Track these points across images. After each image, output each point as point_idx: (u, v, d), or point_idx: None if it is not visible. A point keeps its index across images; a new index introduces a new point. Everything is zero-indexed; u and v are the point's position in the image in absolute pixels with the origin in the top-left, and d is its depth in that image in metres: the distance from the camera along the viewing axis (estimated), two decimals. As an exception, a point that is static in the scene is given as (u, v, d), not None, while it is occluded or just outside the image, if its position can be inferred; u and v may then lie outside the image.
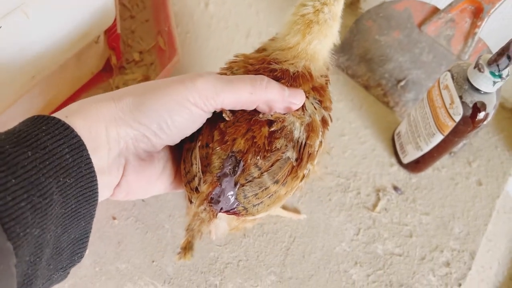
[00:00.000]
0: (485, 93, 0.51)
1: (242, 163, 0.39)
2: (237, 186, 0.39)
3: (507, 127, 0.72)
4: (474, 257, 0.60)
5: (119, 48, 0.60)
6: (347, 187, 0.62)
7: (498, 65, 0.48)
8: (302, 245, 0.57)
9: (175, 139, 0.40)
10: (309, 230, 0.58)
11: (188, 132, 0.41)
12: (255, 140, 0.40)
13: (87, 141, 0.35)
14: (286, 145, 0.40)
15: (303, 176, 0.43)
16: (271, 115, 0.41)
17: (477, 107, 0.51)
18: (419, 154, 0.61)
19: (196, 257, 0.54)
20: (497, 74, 0.49)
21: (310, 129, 0.42)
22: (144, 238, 0.54)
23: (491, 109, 0.52)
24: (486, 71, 0.49)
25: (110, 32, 0.58)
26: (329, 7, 0.41)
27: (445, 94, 0.54)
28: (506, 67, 0.48)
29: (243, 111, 0.41)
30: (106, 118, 0.36)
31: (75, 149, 0.34)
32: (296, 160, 0.41)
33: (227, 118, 0.41)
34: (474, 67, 0.50)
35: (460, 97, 0.52)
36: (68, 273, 0.38)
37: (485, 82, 0.50)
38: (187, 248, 0.38)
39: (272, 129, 0.40)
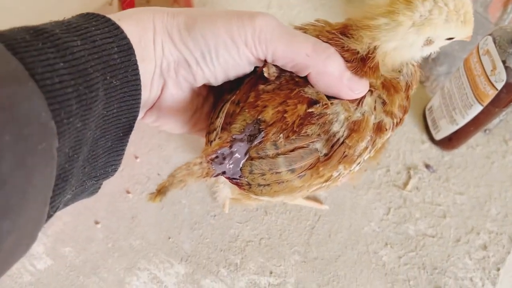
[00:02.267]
0: (532, 56, 0.46)
1: (262, 135, 0.35)
2: (246, 157, 0.36)
3: (545, 104, 0.67)
4: (513, 240, 0.56)
5: (133, 15, 0.57)
6: (375, 164, 0.58)
7: (548, 23, 0.43)
8: (328, 224, 0.53)
9: (217, 78, 0.37)
10: (335, 208, 0.54)
11: (231, 75, 0.37)
12: (285, 115, 0.35)
13: (136, 49, 0.33)
14: (318, 135, 0.36)
15: (330, 177, 0.38)
16: (317, 93, 0.36)
17: (523, 72, 0.47)
18: (454, 128, 0.56)
19: (215, 233, 0.51)
20: (547, 33, 0.44)
21: (354, 128, 0.36)
22: (159, 213, 0.51)
23: (538, 74, 0.47)
24: (535, 31, 0.44)
25: (124, -3, 0.55)
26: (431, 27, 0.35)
27: (485, 60, 0.50)
28: (558, 25, 0.43)
29: (290, 79, 0.37)
30: (156, 30, 0.34)
31: (123, 51, 0.32)
32: (325, 155, 0.36)
33: (266, 75, 0.36)
34: (521, 28, 0.46)
35: (503, 62, 0.47)
36: (99, 186, 0.37)
37: (532, 44, 0.45)
38: (160, 191, 0.34)
39: (311, 110, 0.35)
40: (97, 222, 0.50)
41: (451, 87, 0.56)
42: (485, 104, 0.51)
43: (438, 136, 0.59)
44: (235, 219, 0.52)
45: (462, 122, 0.55)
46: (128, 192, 0.52)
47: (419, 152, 0.60)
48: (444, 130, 0.58)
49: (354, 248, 0.52)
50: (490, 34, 0.50)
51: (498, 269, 0.54)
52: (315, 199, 0.55)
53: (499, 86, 0.48)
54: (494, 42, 0.49)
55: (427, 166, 0.59)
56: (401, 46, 0.36)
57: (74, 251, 0.48)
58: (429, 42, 0.37)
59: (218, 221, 0.52)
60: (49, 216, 0.30)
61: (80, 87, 0.28)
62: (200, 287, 0.48)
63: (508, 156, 0.62)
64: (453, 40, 0.38)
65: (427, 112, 0.62)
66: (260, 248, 0.51)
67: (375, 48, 0.36)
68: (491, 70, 0.49)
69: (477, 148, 0.62)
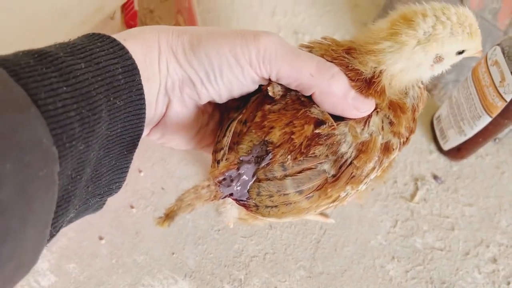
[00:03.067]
0: (542, 68, 0.45)
1: (269, 156, 0.35)
2: (254, 179, 0.35)
3: (557, 111, 0.66)
4: (524, 253, 0.55)
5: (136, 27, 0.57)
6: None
7: (559, 35, 0.42)
8: (334, 237, 0.53)
9: (221, 96, 0.37)
10: (341, 222, 0.54)
11: (235, 93, 0.37)
12: (292, 137, 0.35)
13: (141, 68, 0.33)
14: (326, 156, 0.35)
15: (337, 198, 0.37)
16: (322, 113, 0.35)
17: (533, 84, 0.46)
18: (462, 139, 0.55)
19: (220, 248, 0.50)
20: (557, 45, 0.43)
21: (362, 149, 0.36)
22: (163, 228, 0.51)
23: (548, 86, 0.46)
24: (544, 43, 0.43)
25: (127, 9, 0.55)
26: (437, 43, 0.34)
27: (494, 71, 0.49)
28: None
29: (296, 98, 0.36)
30: (162, 49, 0.34)
31: (128, 72, 0.32)
32: (333, 176, 0.36)
33: (270, 94, 0.36)
34: (530, 39, 0.44)
35: (513, 73, 0.46)
36: (104, 203, 0.37)
37: (542, 55, 0.44)
38: (169, 216, 0.34)
39: (318, 131, 0.35)
40: (101, 238, 0.49)
41: (459, 96, 0.55)
42: (494, 115, 0.50)
43: (447, 147, 0.58)
44: (240, 234, 0.51)
45: (470, 133, 0.54)
46: (132, 207, 0.51)
47: (427, 163, 0.59)
48: (452, 140, 0.57)
49: (360, 262, 0.52)
50: (498, 44, 0.49)
51: (509, 283, 0.53)
52: (321, 213, 0.54)
53: (508, 98, 0.47)
54: (503, 53, 0.48)
55: (435, 177, 0.58)
56: (409, 67, 0.35)
57: (78, 268, 0.48)
58: (439, 59, 0.36)
59: (222, 236, 0.51)
60: (52, 236, 0.30)
61: (83, 110, 0.29)
62: (205, 304, 0.48)
63: (519, 166, 0.60)
64: (464, 56, 0.37)
65: (435, 122, 0.61)
66: (264, 263, 0.50)
67: (380, 72, 0.35)
68: (500, 82, 0.48)
69: (487, 158, 0.60)
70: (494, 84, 0.49)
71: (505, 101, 0.48)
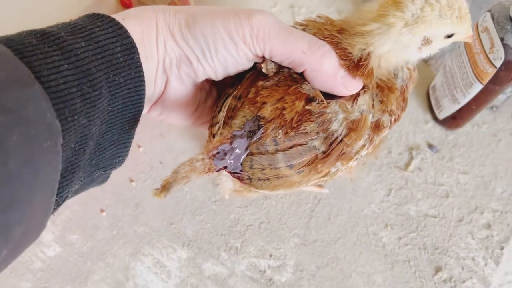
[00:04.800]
0: (531, 32, 0.45)
1: (261, 131, 0.36)
2: (247, 152, 0.37)
3: (558, 78, 0.65)
4: (519, 219, 0.55)
5: (131, 7, 0.58)
6: (376, 146, 0.58)
7: (545, -2, 0.42)
8: (328, 206, 0.54)
9: (217, 73, 0.39)
10: (336, 192, 0.55)
11: (231, 71, 0.39)
12: (284, 112, 0.36)
13: (139, 47, 0.34)
14: (317, 133, 0.36)
15: (328, 173, 0.39)
16: (313, 90, 0.37)
17: (521, 49, 0.46)
18: (456, 107, 0.55)
19: (216, 219, 0.52)
20: (544, 9, 0.43)
21: (353, 127, 0.37)
22: (162, 200, 0.53)
23: (537, 51, 0.46)
24: (532, 7, 0.43)
25: (122, -11, 0.56)
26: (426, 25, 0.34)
27: (484, 38, 0.49)
28: (555, -1, 0.42)
29: (288, 75, 0.38)
30: (159, 28, 0.36)
31: (127, 50, 0.34)
32: (323, 153, 0.37)
33: (264, 71, 0.37)
34: (518, 3, 0.44)
35: (502, 39, 0.46)
36: (108, 176, 0.39)
37: (530, 20, 0.44)
38: (165, 187, 0.35)
39: (308, 107, 0.36)
40: (102, 211, 0.52)
41: (452, 65, 0.55)
42: (485, 82, 0.50)
43: (442, 116, 0.59)
44: (236, 204, 0.53)
45: (463, 101, 0.54)
46: (132, 181, 0.53)
47: (423, 133, 0.59)
48: (446, 109, 0.57)
49: (353, 230, 0.53)
50: (489, 11, 0.48)
51: (502, 248, 0.53)
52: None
53: (498, 64, 0.47)
54: (493, 19, 0.47)
55: (430, 146, 0.58)
56: (396, 48, 0.36)
57: (81, 239, 0.50)
58: (426, 41, 0.36)
59: (219, 207, 0.53)
60: (59, 205, 0.33)
61: (84, 87, 0.30)
62: (202, 271, 0.50)
63: (516, 133, 0.60)
64: (453, 40, 0.37)
65: (430, 91, 0.61)
66: (260, 232, 0.52)
67: (368, 54, 0.36)
68: (490, 48, 0.48)
69: (484, 126, 0.61)
70: (484, 51, 0.49)
71: (495, 67, 0.48)
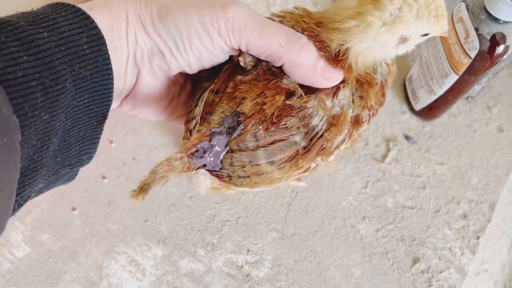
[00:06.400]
0: (505, 22, 0.45)
1: (241, 127, 0.35)
2: (227, 149, 0.36)
3: (531, 68, 0.66)
4: (494, 208, 0.55)
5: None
6: (353, 138, 0.58)
7: (519, -12, 0.42)
8: (305, 200, 0.53)
9: (191, 66, 0.37)
10: (313, 185, 0.54)
11: (205, 64, 0.37)
12: (264, 107, 0.35)
13: (108, 38, 0.33)
14: (298, 128, 0.35)
15: (308, 168, 0.38)
16: (293, 84, 0.36)
17: (496, 39, 0.45)
18: (432, 98, 0.55)
19: (192, 215, 0.51)
20: (518, -2, 0.43)
21: (333, 122, 0.36)
22: (136, 197, 0.51)
23: (511, 41, 0.46)
24: (506, -4, 0.43)
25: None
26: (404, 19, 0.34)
27: (459, 28, 0.48)
28: (529, -11, 0.42)
29: (267, 69, 0.36)
30: (129, 19, 0.34)
31: (93, 41, 0.32)
32: (304, 148, 0.36)
33: (242, 64, 0.36)
34: (492, -7, 0.44)
35: (476, 29, 0.46)
36: (76, 174, 0.37)
37: (504, 9, 0.44)
38: (143, 189, 0.34)
39: (288, 102, 0.35)
40: (74, 209, 0.50)
41: (428, 56, 0.55)
42: (460, 73, 0.50)
43: (418, 107, 0.58)
44: (212, 200, 0.52)
45: (439, 91, 0.54)
46: (104, 178, 0.52)
47: (399, 124, 0.59)
48: (423, 100, 0.57)
49: (331, 223, 0.52)
50: (463, 1, 0.48)
51: (478, 238, 0.54)
52: (293, 175, 0.55)
53: (473, 54, 0.47)
54: (467, 9, 0.47)
55: (407, 138, 0.58)
56: (374, 46, 0.35)
57: (52, 238, 0.49)
58: (403, 40, 0.36)
59: (194, 203, 0.52)
60: (20, 205, 0.31)
61: (46, 80, 0.28)
62: (178, 268, 0.49)
63: (491, 124, 0.61)
64: (429, 36, 0.37)
65: (407, 82, 0.61)
66: (237, 227, 0.51)
67: (347, 50, 0.35)
68: (465, 38, 0.48)
69: (459, 117, 0.61)
70: (459, 41, 0.48)
71: (470, 58, 0.48)
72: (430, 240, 0.53)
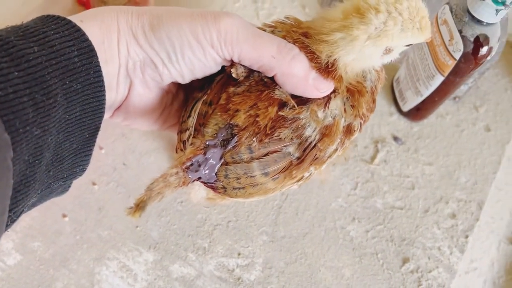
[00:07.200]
0: (488, 24, 0.46)
1: (235, 139, 0.36)
2: (221, 162, 0.36)
3: (517, 67, 0.66)
4: (482, 207, 0.56)
5: (89, 4, 0.56)
6: (342, 140, 0.58)
7: (500, -10, 0.42)
8: (295, 202, 0.54)
9: (184, 77, 0.37)
10: (303, 187, 0.55)
11: (198, 74, 0.37)
12: (257, 119, 0.35)
13: (99, 50, 0.33)
14: (291, 139, 0.36)
15: (301, 178, 0.39)
16: (285, 95, 0.36)
17: (479, 41, 0.46)
18: (419, 99, 0.56)
19: (183, 219, 0.52)
20: (499, 0, 0.43)
21: (326, 132, 0.37)
22: (126, 203, 0.52)
23: (494, 42, 0.47)
24: (488, -1, 0.43)
25: (77, -14, 0.54)
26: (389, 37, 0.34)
27: (443, 30, 0.49)
28: (510, -9, 0.42)
29: (259, 79, 0.37)
30: (121, 31, 0.34)
31: (84, 54, 0.32)
32: (298, 159, 0.37)
33: (234, 76, 0.37)
34: (475, -4, 0.45)
35: (460, 31, 0.47)
36: (69, 186, 0.37)
37: (486, 12, 0.44)
38: (139, 206, 0.34)
39: (281, 113, 0.36)
40: (64, 216, 0.50)
41: (414, 57, 0.56)
42: (446, 74, 0.50)
43: (406, 108, 0.59)
44: (203, 204, 0.52)
45: (426, 93, 0.55)
46: (94, 184, 0.52)
47: (387, 125, 0.60)
48: (410, 101, 0.58)
49: (321, 224, 0.53)
50: (447, 3, 0.49)
51: (467, 237, 0.54)
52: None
53: (457, 56, 0.48)
54: (451, 11, 0.48)
55: (395, 139, 0.59)
56: (360, 58, 0.36)
57: (43, 245, 0.49)
58: (388, 51, 0.37)
59: (185, 207, 0.52)
60: (13, 221, 0.31)
61: (37, 95, 0.28)
62: (169, 273, 0.49)
63: (478, 123, 0.61)
64: (412, 45, 0.38)
65: (394, 84, 0.61)
66: (228, 230, 0.52)
67: (335, 61, 0.36)
68: (449, 40, 0.48)
69: (447, 117, 0.61)
70: (444, 43, 0.49)
71: (455, 59, 0.48)
72: (419, 240, 0.53)
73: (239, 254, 0.51)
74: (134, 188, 0.52)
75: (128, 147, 0.55)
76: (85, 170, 0.37)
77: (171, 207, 0.52)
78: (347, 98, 0.38)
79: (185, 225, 0.51)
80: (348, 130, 0.38)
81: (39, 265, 0.48)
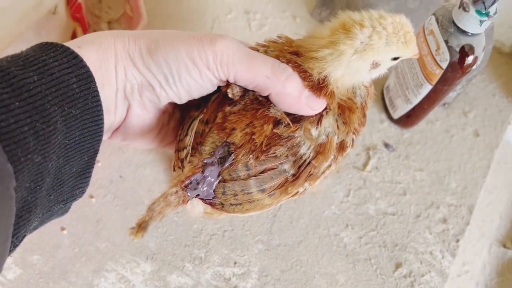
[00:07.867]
0: (472, 34, 0.47)
1: (232, 157, 0.37)
2: (219, 179, 0.37)
3: (505, 73, 0.68)
4: (473, 211, 0.57)
5: (83, 20, 0.57)
6: (335, 148, 0.59)
7: (484, 2, 0.44)
8: (289, 211, 0.55)
9: (181, 98, 0.38)
10: (297, 195, 0.56)
11: (195, 95, 0.39)
12: (253, 137, 0.37)
13: (96, 75, 0.34)
14: (286, 156, 0.37)
15: (296, 193, 0.40)
16: (279, 113, 0.37)
17: (465, 51, 0.47)
18: (409, 107, 0.57)
19: (179, 230, 0.52)
20: (483, 12, 0.44)
21: (320, 150, 0.38)
22: (123, 215, 0.52)
23: (479, 52, 0.48)
24: (472, 10, 0.45)
25: (71, 2, 0.55)
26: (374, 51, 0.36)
27: (430, 40, 0.50)
28: (493, 3, 0.44)
29: (254, 98, 0.38)
30: (118, 55, 0.35)
31: (82, 80, 0.33)
32: (293, 175, 0.38)
33: (230, 96, 0.38)
34: (459, 7, 0.46)
35: (446, 42, 0.48)
36: (69, 208, 0.38)
37: (471, 23, 0.46)
38: (141, 226, 0.35)
39: (276, 131, 0.37)
40: (63, 229, 0.51)
41: (403, 66, 0.57)
42: (433, 83, 0.52)
43: (396, 115, 0.60)
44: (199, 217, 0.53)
45: (415, 101, 0.56)
46: (91, 197, 0.53)
47: (378, 132, 0.61)
48: (400, 109, 0.59)
49: (315, 232, 0.54)
50: (433, 14, 0.50)
51: (458, 241, 0.55)
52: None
53: (444, 65, 0.49)
54: (437, 22, 0.49)
55: (386, 145, 0.60)
56: (348, 72, 0.37)
57: (42, 259, 0.50)
58: (375, 65, 0.38)
59: (181, 218, 0.53)
60: (15, 246, 0.31)
61: (37, 124, 0.29)
62: (167, 283, 0.50)
63: (468, 128, 0.63)
64: (399, 60, 0.39)
65: (384, 92, 0.62)
66: (223, 240, 0.52)
67: (325, 77, 0.37)
68: (436, 50, 0.49)
69: (437, 123, 0.63)
70: (431, 53, 0.50)
71: (442, 68, 0.49)
72: (412, 245, 0.55)
73: (235, 263, 0.51)
74: (131, 200, 0.53)
75: (124, 160, 0.55)
76: (84, 192, 0.38)
77: (168, 218, 0.53)
78: (338, 114, 0.39)
79: (181, 235, 0.52)
80: (341, 147, 0.40)
81: (38, 279, 0.49)
